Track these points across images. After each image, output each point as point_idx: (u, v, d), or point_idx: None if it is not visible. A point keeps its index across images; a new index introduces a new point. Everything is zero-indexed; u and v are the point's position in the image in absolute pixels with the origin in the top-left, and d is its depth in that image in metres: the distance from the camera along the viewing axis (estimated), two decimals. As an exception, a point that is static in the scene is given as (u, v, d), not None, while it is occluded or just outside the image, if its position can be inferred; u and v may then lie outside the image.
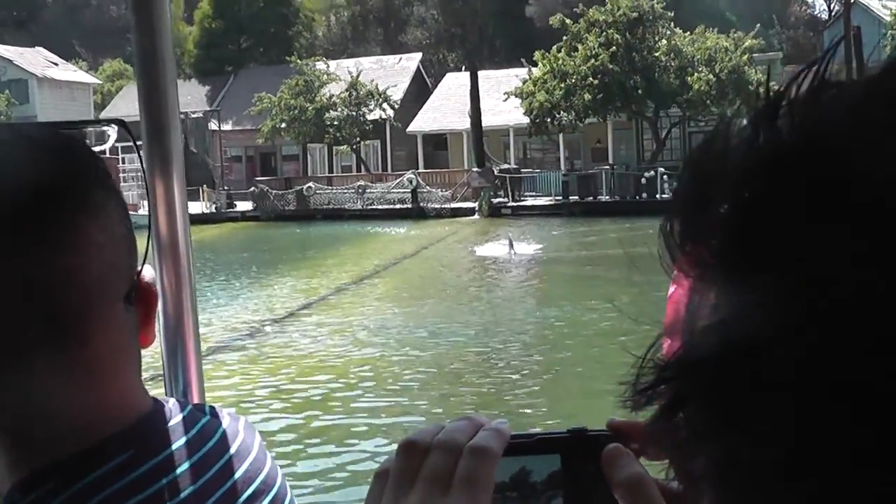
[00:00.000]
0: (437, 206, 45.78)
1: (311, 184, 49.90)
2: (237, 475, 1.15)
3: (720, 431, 0.45)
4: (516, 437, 0.73)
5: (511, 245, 28.81)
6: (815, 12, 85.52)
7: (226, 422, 1.21)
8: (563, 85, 45.45)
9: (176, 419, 1.14)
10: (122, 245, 1.05)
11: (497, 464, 0.70)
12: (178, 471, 1.09)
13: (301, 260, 30.30)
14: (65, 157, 1.03)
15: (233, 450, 1.18)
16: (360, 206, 47.52)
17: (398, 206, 46.57)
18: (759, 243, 0.44)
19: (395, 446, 0.72)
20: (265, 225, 45.53)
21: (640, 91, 45.30)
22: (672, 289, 0.53)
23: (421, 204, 46.09)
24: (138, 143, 1.21)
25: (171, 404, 1.16)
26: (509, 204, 44.26)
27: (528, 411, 11.07)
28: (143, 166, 1.20)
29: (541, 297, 20.76)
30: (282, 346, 15.79)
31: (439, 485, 0.69)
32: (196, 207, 45.80)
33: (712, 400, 0.45)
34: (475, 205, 44.43)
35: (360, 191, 48.16)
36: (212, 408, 1.23)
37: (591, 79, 45.15)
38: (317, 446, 10.14)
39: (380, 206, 47.21)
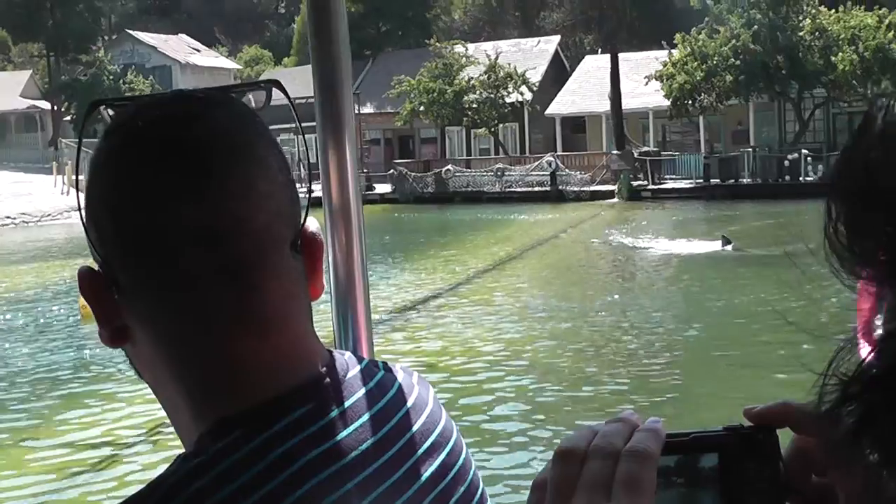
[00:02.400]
0: (576, 188, 45.74)
1: (449, 166, 50.31)
2: (415, 428, 1.15)
3: None
4: (672, 436, 0.72)
5: (727, 240, 24.36)
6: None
7: (400, 376, 1.21)
8: (703, 66, 45.02)
9: (353, 371, 1.14)
10: (285, 194, 1.07)
11: (657, 465, 0.69)
12: (358, 423, 1.09)
13: (446, 243, 30.39)
14: (230, 111, 1.07)
15: (410, 403, 1.17)
16: (498, 189, 47.76)
17: (537, 189, 46.61)
18: None
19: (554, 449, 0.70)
20: (404, 207, 45.92)
21: (783, 71, 44.57)
22: (859, 295, 0.48)
23: (560, 187, 46.07)
24: (294, 101, 1.24)
25: (347, 357, 1.16)
26: (649, 187, 44.03)
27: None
28: (299, 126, 1.21)
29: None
30: (431, 328, 15.77)
31: (600, 491, 0.66)
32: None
33: None
34: (614, 188, 44.30)
35: (498, 173, 48.32)
36: (384, 363, 1.22)
37: (732, 60, 44.64)
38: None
39: (518, 189, 47.33)
